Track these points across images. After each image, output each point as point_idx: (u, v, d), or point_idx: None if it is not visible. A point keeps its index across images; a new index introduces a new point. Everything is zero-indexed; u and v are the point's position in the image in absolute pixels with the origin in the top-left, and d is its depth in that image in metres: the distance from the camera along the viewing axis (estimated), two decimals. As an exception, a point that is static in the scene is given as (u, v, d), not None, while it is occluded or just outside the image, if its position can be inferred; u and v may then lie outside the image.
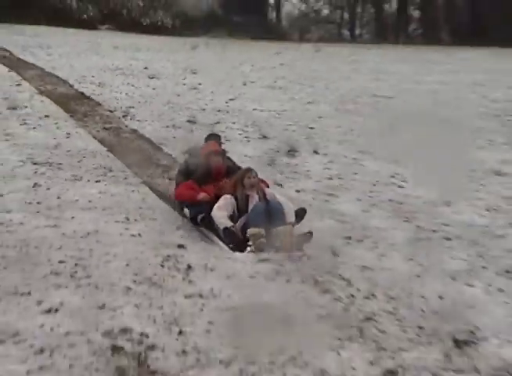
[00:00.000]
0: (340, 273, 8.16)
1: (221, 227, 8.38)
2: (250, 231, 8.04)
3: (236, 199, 8.60)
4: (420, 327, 7.07)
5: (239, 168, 9.44)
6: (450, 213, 11.00)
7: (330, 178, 12.09)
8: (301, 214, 8.75)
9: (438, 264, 8.95)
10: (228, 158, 9.84)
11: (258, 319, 7.38)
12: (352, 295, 7.72)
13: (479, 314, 7.64)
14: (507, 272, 8.96)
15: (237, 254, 8.14)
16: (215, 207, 8.58)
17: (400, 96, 18.20)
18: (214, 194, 8.85)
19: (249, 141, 13.31)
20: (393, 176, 12.66)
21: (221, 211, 8.49)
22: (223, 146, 9.72)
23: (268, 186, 9.19)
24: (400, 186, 12.22)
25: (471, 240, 9.91)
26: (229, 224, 8.39)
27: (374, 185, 12.14)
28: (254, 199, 8.55)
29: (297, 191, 11.05)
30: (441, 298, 7.78)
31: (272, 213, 8.28)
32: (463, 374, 6.26)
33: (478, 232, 10.31)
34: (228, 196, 8.62)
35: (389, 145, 14.32)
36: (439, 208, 11.19)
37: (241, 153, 12.67)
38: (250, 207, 8.50)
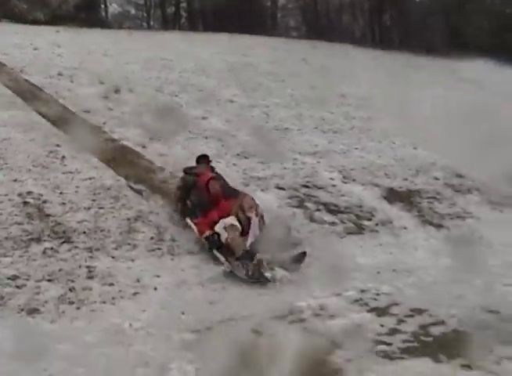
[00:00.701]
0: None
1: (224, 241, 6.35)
2: (258, 256, 5.97)
3: (239, 220, 6.48)
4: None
5: (235, 190, 7.21)
6: (208, 123, 11.18)
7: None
8: (301, 258, 6.28)
9: (202, 151, 9.13)
10: (217, 173, 7.62)
11: (113, 188, 7.45)
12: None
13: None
14: (238, 155, 9.42)
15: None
16: (217, 226, 6.46)
17: (178, 59, 17.96)
18: (219, 218, 6.57)
19: (93, 85, 12.86)
20: (202, 117, 11.87)
21: (222, 228, 6.43)
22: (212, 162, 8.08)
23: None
24: (204, 119, 11.57)
25: (218, 138, 10.21)
26: (225, 236, 6.35)
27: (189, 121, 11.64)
28: (254, 221, 6.44)
29: (122, 113, 10.93)
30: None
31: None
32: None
33: (222, 133, 10.61)
34: (229, 218, 6.49)
35: (190, 92, 13.94)
36: (203, 121, 11.31)
37: (88, 93, 12.14)
38: (253, 226, 6.40)
